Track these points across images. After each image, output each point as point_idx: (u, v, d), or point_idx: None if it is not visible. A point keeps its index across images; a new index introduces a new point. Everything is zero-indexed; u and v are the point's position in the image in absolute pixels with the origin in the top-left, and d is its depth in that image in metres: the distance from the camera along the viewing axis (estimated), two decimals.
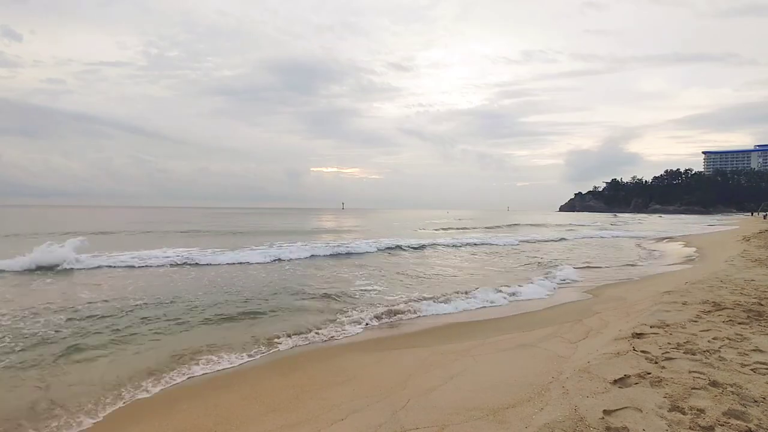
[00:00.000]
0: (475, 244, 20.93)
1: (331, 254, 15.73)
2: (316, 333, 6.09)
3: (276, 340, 5.73)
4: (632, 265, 13.78)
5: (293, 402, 3.90)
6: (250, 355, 5.22)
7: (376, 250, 17.48)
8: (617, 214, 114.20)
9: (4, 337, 5.56)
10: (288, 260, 14.02)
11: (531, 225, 45.38)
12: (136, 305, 7.42)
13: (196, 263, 12.66)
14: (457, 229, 35.59)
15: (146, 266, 11.81)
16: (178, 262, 12.56)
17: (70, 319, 6.44)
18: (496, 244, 21.30)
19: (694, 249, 18.11)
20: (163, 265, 12.11)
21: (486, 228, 37.31)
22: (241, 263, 13.10)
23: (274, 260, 13.81)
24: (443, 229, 35.44)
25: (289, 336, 5.89)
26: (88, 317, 6.59)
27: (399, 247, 18.62)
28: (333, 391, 4.05)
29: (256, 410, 3.78)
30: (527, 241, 23.48)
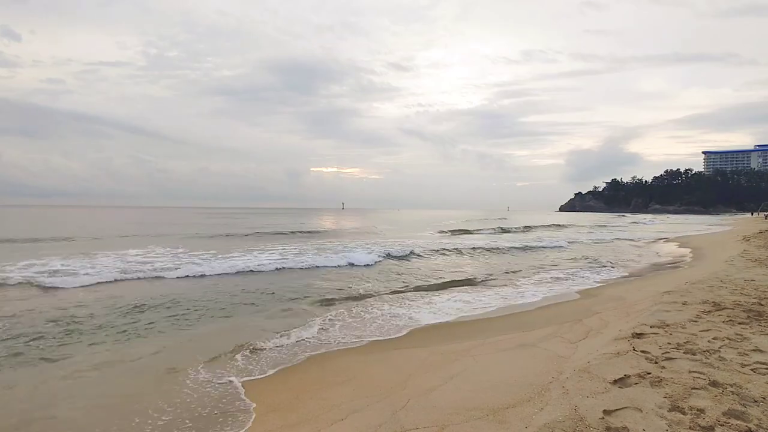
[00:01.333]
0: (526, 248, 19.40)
1: (336, 265, 13.29)
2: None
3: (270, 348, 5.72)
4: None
5: (293, 402, 3.90)
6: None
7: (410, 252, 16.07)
8: (625, 214, 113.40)
9: None
10: (290, 269, 12.42)
11: (548, 226, 40.18)
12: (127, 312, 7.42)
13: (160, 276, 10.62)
14: (456, 231, 31.56)
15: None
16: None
17: None
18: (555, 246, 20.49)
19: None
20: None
21: (500, 231, 33.27)
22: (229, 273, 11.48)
23: (278, 269, 12.28)
24: (451, 231, 31.59)
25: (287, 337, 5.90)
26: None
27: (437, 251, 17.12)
28: (333, 391, 4.05)
29: (256, 410, 3.78)
30: (576, 242, 22.99)
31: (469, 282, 10.58)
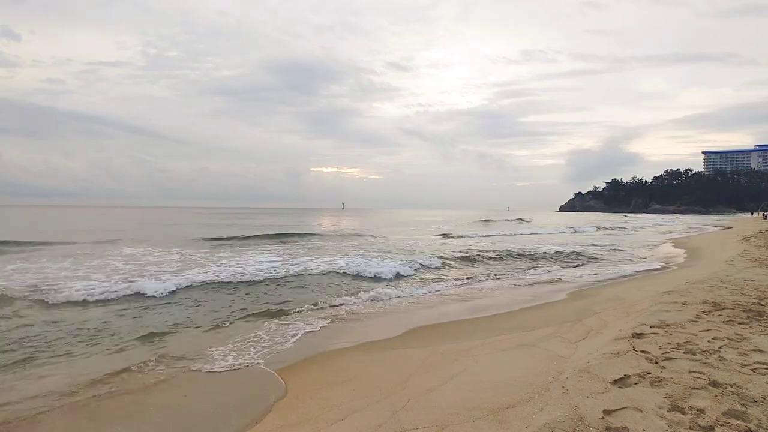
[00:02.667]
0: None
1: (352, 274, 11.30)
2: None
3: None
4: None
5: (293, 402, 3.90)
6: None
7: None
8: (625, 214, 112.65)
9: None
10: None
11: (575, 231, 33.81)
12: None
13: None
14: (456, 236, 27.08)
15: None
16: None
17: None
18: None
19: None
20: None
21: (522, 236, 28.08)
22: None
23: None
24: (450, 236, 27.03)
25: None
26: None
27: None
28: (333, 391, 4.05)
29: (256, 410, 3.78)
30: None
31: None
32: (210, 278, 10.06)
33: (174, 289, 8.87)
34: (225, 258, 13.75)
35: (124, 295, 8.29)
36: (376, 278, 11.06)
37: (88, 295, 8.08)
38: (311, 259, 13.66)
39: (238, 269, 11.39)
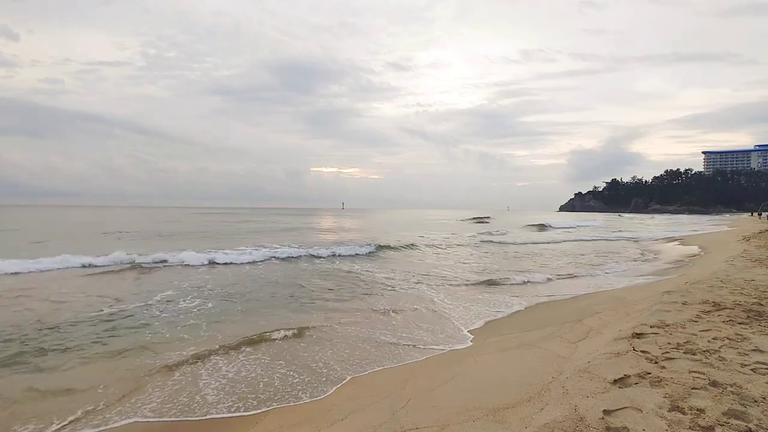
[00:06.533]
0: None
1: None
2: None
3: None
4: None
5: (293, 402, 3.90)
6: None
7: None
8: (623, 213, 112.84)
9: None
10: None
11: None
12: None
13: None
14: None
15: None
16: None
17: None
18: None
19: None
20: None
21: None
22: None
23: None
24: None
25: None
26: None
27: None
28: (333, 391, 4.05)
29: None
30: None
31: None
32: None
33: None
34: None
35: None
36: None
37: None
38: None
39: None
